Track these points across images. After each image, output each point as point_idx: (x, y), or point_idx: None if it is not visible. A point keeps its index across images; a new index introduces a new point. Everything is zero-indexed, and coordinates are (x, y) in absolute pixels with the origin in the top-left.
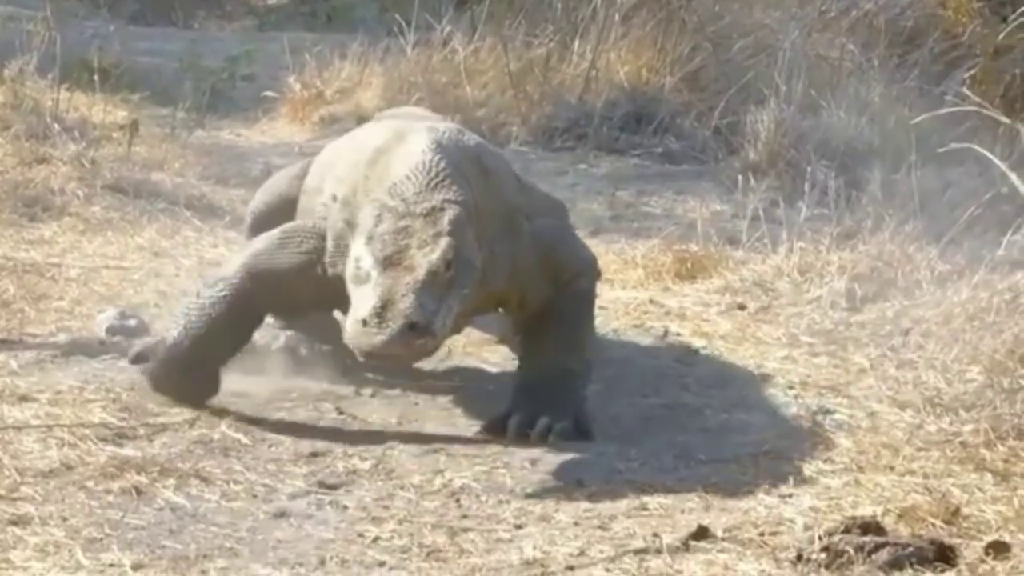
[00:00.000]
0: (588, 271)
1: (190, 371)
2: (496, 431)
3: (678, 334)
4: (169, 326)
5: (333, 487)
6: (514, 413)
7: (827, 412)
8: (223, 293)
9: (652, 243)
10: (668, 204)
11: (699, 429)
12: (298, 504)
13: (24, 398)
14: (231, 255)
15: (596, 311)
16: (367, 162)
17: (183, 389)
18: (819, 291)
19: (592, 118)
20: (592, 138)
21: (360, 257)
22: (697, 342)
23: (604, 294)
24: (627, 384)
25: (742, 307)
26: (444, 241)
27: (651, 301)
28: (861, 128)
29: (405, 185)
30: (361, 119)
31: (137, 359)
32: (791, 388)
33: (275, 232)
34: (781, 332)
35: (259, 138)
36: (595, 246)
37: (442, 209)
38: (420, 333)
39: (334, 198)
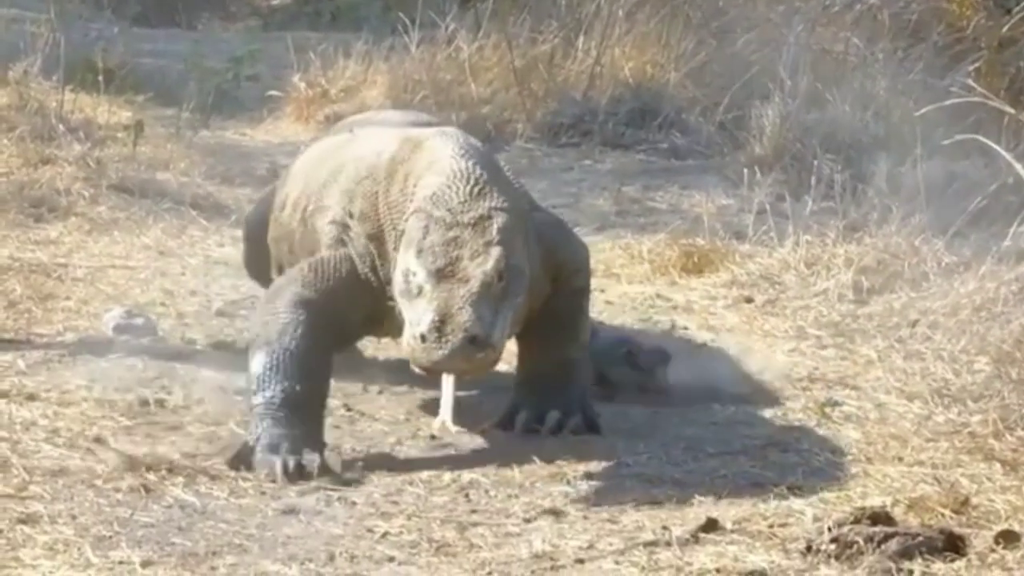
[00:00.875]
0: (583, 267)
1: (307, 411)
2: (505, 427)
3: (685, 328)
4: (265, 383)
5: (342, 483)
6: (521, 409)
7: (835, 404)
8: (303, 320)
9: (658, 238)
10: (674, 199)
11: (707, 422)
12: (307, 500)
13: (32, 397)
14: (261, 302)
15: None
16: (384, 173)
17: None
18: (826, 284)
19: (597, 114)
20: (597, 134)
21: (411, 271)
22: (704, 335)
23: (611, 289)
24: None
25: (749, 300)
26: (495, 251)
27: (658, 295)
28: (866, 121)
29: (448, 194)
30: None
31: (238, 459)
32: (799, 380)
33: (300, 269)
34: (788, 325)
35: (264, 137)
36: (601, 242)
37: (490, 217)
38: (480, 346)
39: (350, 215)
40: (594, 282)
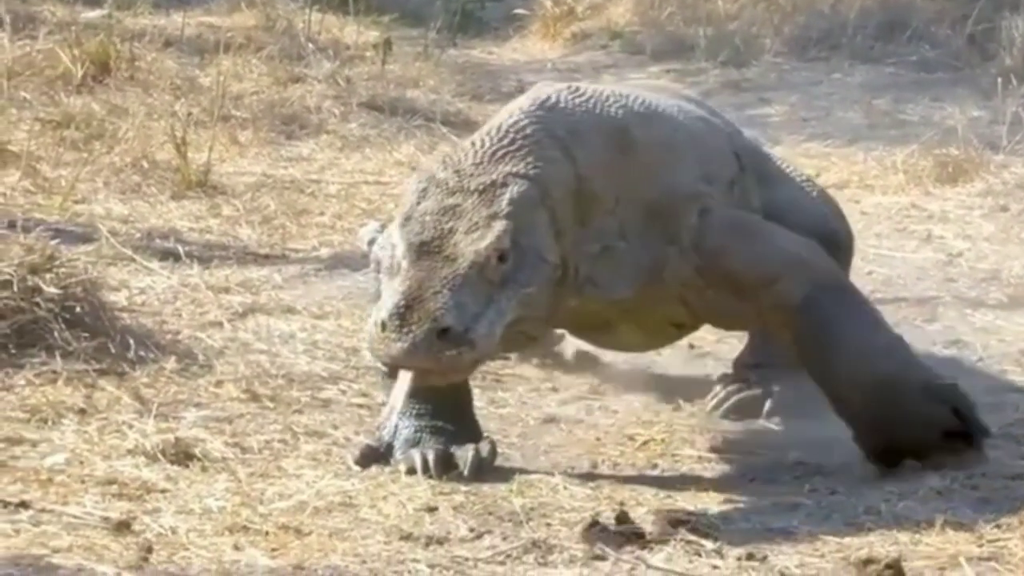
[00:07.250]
0: (791, 272)
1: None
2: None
3: (941, 237)
4: None
5: (602, 393)
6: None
7: None
8: None
9: (911, 149)
10: (925, 111)
11: (970, 328)
12: (567, 410)
13: (289, 311)
14: None
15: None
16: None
17: None
18: None
19: (846, 28)
20: (846, 47)
21: (395, 243)
22: (961, 244)
23: (865, 199)
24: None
25: (1005, 209)
26: (499, 225)
27: (913, 205)
28: None
29: (465, 154)
30: (613, 35)
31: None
32: None
33: None
34: None
35: (511, 56)
36: (853, 153)
37: (504, 185)
38: (453, 341)
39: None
40: (848, 193)
